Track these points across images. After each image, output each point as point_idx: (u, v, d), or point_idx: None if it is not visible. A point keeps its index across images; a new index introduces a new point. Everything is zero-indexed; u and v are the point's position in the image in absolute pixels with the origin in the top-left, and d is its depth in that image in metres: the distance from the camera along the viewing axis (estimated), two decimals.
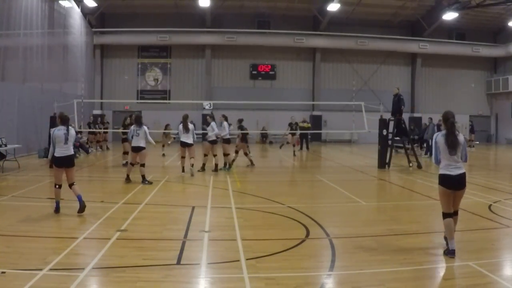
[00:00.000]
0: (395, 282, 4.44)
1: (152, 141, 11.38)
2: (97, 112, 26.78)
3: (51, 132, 7.51)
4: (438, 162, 5.47)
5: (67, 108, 15.98)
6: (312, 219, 7.02)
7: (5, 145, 13.43)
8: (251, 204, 8.42)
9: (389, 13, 28.95)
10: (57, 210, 7.27)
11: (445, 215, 5.36)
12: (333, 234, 6.21)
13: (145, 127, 10.95)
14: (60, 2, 20.93)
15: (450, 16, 25.94)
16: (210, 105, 27.41)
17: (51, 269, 4.57)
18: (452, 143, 5.31)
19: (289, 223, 6.87)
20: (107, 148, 21.59)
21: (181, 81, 29.42)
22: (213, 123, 13.01)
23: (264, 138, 28.66)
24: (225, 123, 13.39)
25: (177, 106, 27.01)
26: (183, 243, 5.67)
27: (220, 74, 29.77)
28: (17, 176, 11.96)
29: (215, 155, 13.26)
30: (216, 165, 13.19)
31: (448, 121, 5.37)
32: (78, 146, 18.19)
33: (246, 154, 14.79)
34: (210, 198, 8.92)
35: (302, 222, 6.85)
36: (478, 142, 26.49)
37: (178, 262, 4.95)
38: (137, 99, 28.85)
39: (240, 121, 14.70)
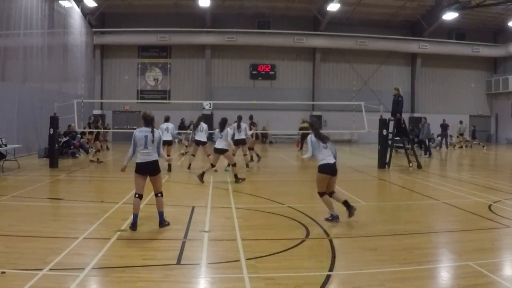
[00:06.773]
0: (395, 282, 4.43)
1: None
2: (97, 112, 26.78)
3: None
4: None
5: (67, 108, 16.03)
6: (312, 219, 7.01)
7: (5, 145, 13.43)
8: (251, 204, 8.41)
9: (389, 13, 28.94)
10: (134, 226, 6.13)
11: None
12: (333, 234, 6.21)
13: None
14: (60, 2, 20.92)
15: (450, 16, 25.93)
16: (210, 105, 27.43)
17: (51, 269, 4.56)
18: None
19: (289, 223, 6.86)
20: (107, 148, 21.58)
21: (181, 81, 29.42)
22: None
23: (264, 138, 28.65)
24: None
25: (177, 106, 27.04)
26: (183, 243, 5.67)
27: (220, 74, 29.75)
28: (17, 176, 11.96)
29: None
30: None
31: None
32: (78, 146, 18.23)
33: (252, 149, 15.15)
34: (210, 198, 8.91)
35: (302, 222, 6.85)
36: (479, 143, 26.45)
37: (178, 262, 4.95)
38: (137, 99, 28.84)
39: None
